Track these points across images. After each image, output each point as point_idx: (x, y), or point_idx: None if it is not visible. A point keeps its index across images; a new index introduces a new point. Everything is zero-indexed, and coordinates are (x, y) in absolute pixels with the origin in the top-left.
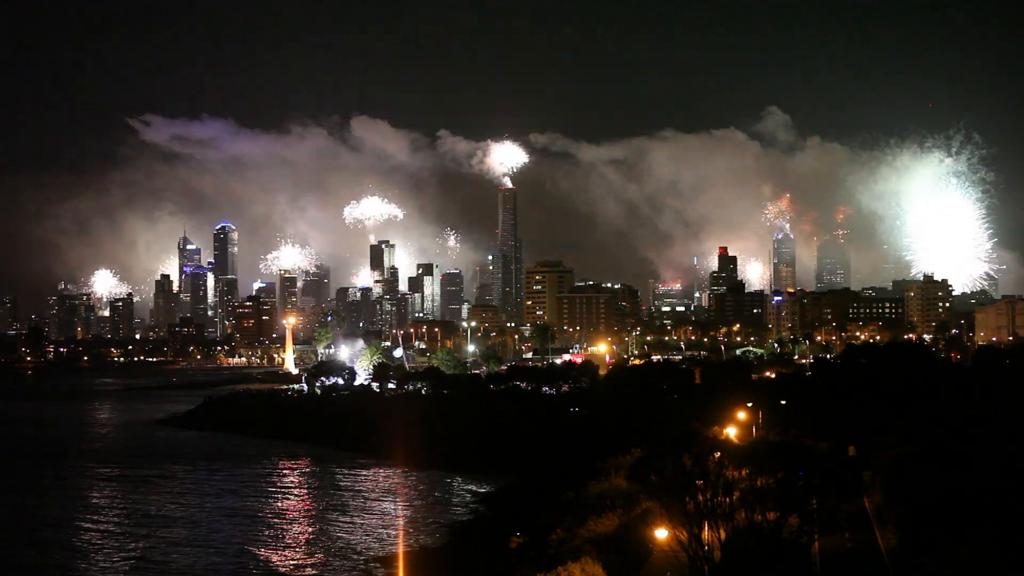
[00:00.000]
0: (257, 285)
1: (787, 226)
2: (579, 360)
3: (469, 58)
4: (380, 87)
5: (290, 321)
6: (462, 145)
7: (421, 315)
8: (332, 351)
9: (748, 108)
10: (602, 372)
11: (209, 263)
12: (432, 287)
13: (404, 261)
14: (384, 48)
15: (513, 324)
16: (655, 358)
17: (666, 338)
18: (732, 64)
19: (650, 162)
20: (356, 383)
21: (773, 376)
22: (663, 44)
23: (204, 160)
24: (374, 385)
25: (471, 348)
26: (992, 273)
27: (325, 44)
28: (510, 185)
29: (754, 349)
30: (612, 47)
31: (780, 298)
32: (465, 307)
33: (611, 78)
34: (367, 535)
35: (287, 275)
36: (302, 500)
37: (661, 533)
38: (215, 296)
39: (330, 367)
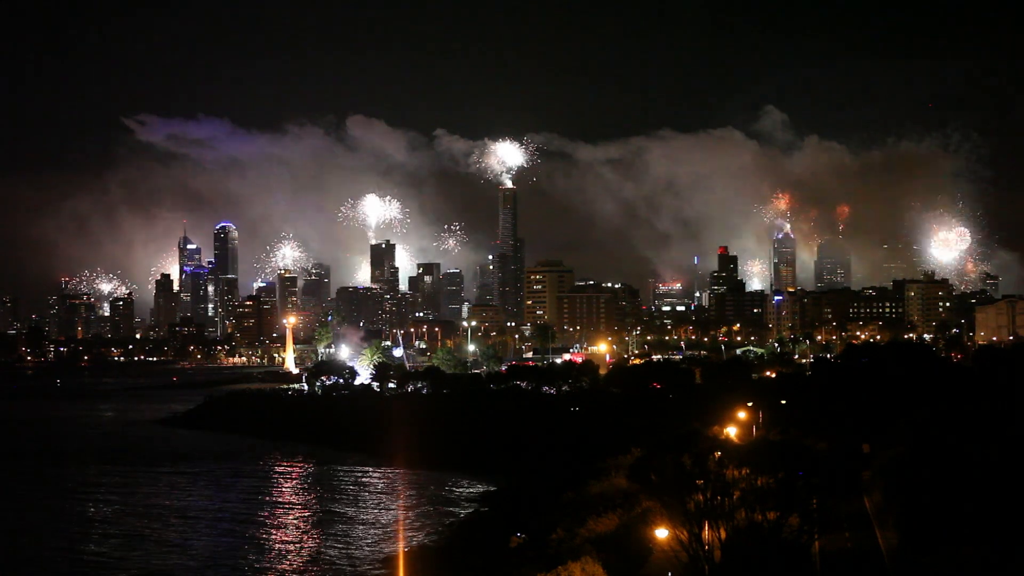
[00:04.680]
0: (257, 285)
1: (787, 226)
2: (579, 360)
3: (464, 56)
4: (375, 86)
5: (290, 321)
6: (459, 144)
7: (421, 315)
8: (332, 351)
9: (745, 107)
10: (602, 372)
11: (209, 263)
12: (432, 287)
13: (404, 261)
14: (378, 47)
15: (513, 324)
16: (655, 358)
17: (666, 338)
18: (729, 63)
19: (647, 162)
20: (356, 383)
21: (773, 376)
22: (659, 43)
23: (201, 160)
24: (374, 385)
25: (471, 348)
26: (992, 273)
27: (319, 43)
28: (510, 184)
29: (754, 349)
30: (607, 46)
31: (780, 298)
32: (465, 307)
33: (607, 77)
34: (367, 535)
35: (287, 275)
36: (302, 500)
37: (661, 533)
38: (215, 296)
39: (330, 367)
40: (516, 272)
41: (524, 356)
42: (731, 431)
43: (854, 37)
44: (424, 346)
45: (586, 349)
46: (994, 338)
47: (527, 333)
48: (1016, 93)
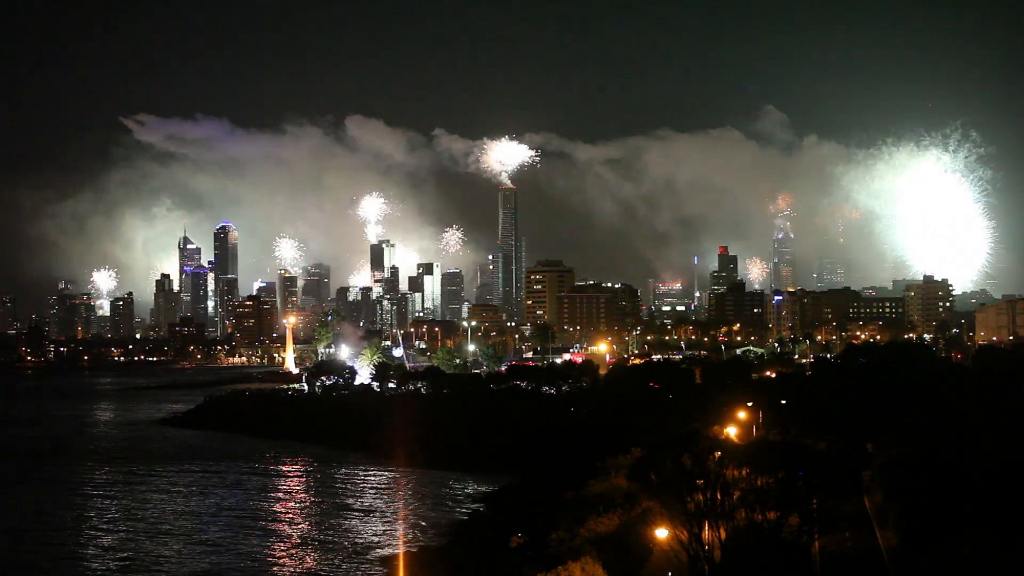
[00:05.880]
0: (257, 285)
1: (787, 225)
2: (579, 360)
3: (463, 56)
4: (373, 86)
5: (290, 321)
6: (459, 144)
7: (421, 315)
8: (332, 351)
9: (744, 107)
10: (602, 372)
11: (209, 262)
12: (432, 287)
13: (404, 261)
14: (377, 47)
15: (513, 324)
16: (655, 358)
17: (666, 338)
18: (728, 63)
19: (646, 162)
20: (356, 383)
21: (773, 376)
22: (658, 43)
23: (200, 160)
24: (374, 385)
25: (471, 348)
26: (992, 273)
27: (318, 43)
28: (510, 184)
29: (754, 349)
30: (606, 46)
31: (780, 298)
32: (465, 307)
33: (606, 77)
34: (367, 535)
35: (287, 275)
36: (302, 500)
37: (661, 533)
38: (215, 296)
39: (330, 367)
40: (516, 272)
41: (524, 356)
42: (731, 431)
43: (852, 36)
44: (424, 346)
45: (586, 349)
46: (994, 338)
47: (527, 333)
48: (1015, 91)
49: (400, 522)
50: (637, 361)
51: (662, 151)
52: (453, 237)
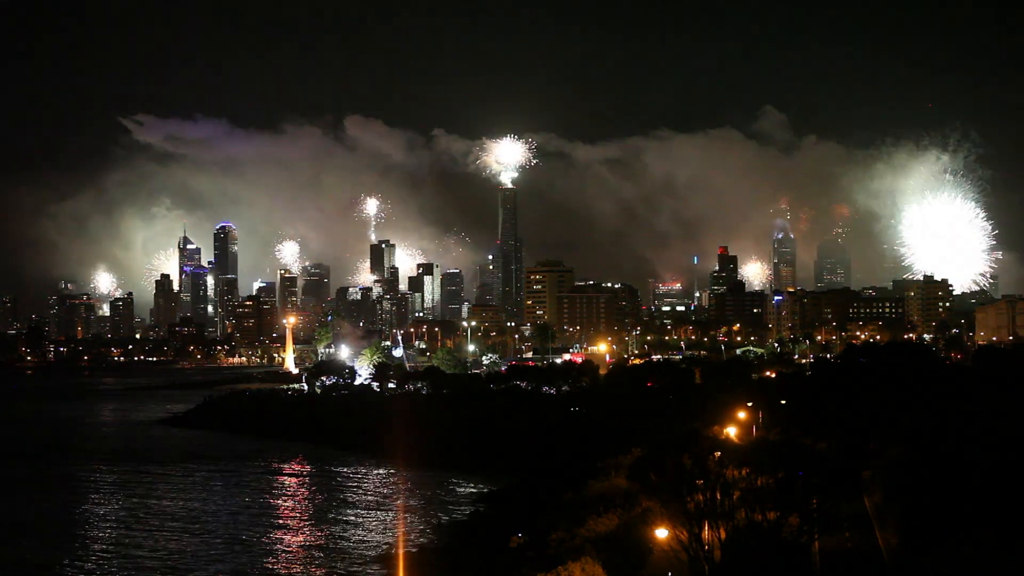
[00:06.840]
0: (257, 285)
1: (787, 225)
2: (579, 360)
3: (462, 57)
4: (372, 86)
5: (290, 321)
6: (458, 144)
7: (421, 315)
8: (332, 351)
9: (744, 107)
10: (602, 372)
11: (209, 262)
12: (432, 287)
13: (404, 261)
14: (376, 47)
15: (513, 324)
16: (655, 358)
17: (666, 338)
18: (727, 63)
19: (646, 162)
20: (356, 383)
21: (773, 376)
22: (658, 43)
23: (199, 160)
24: (374, 385)
25: (471, 348)
26: (992, 273)
27: (317, 43)
28: (510, 184)
29: (754, 349)
30: (606, 46)
31: (780, 298)
32: (465, 307)
33: (605, 77)
34: (367, 535)
35: (287, 275)
36: (302, 500)
37: (661, 533)
38: (215, 296)
39: (330, 367)
40: (516, 272)
41: (524, 356)
42: (731, 431)
43: (851, 35)
44: (424, 346)
45: (586, 349)
46: (994, 338)
47: (527, 333)
48: (1015, 91)
49: (400, 522)
50: (637, 361)
51: (662, 151)
52: (453, 237)
